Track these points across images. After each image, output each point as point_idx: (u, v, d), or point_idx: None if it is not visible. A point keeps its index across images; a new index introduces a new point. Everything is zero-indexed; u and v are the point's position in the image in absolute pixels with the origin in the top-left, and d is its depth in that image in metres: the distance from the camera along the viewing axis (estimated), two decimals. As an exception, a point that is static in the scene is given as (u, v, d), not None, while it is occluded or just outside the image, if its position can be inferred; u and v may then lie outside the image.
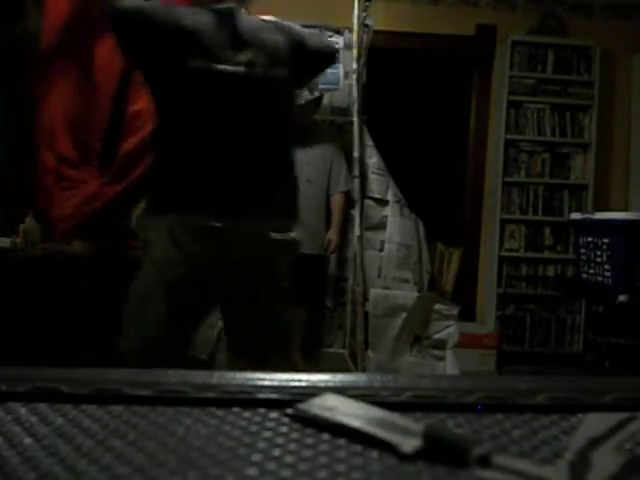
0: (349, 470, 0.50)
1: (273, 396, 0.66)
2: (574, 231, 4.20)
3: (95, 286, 2.47)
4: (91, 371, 0.71)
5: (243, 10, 1.92)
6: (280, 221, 1.90)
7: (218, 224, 1.73)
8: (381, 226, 3.45)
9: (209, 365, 2.86)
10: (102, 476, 0.49)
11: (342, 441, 0.56)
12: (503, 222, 4.28)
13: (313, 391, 0.66)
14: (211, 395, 0.66)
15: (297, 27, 2.00)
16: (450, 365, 3.27)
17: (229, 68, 1.77)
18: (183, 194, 1.77)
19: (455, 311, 3.39)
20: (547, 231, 4.35)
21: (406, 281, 3.05)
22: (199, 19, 1.79)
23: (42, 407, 0.64)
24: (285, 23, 1.98)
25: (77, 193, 2.44)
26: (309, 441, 0.56)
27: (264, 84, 1.82)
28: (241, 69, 1.79)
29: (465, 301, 4.23)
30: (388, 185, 3.50)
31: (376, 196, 3.45)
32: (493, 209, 4.33)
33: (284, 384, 0.68)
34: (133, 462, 0.51)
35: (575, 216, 4.05)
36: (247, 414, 0.63)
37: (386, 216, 3.46)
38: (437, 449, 0.52)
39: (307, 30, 2.05)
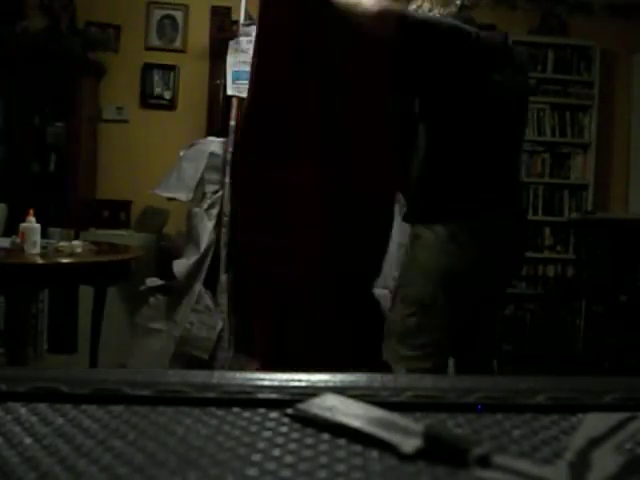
0: (349, 470, 0.50)
1: (273, 396, 0.65)
2: (574, 231, 4.20)
3: None
4: (91, 371, 0.71)
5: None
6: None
7: (503, 223, 1.85)
8: (381, 226, 3.44)
9: (209, 365, 2.86)
10: (102, 476, 0.49)
11: (342, 441, 0.56)
12: (503, 222, 4.27)
13: (313, 391, 0.66)
14: (211, 395, 0.66)
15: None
16: (450, 365, 3.26)
17: (509, 86, 1.90)
18: (474, 199, 1.84)
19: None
20: (547, 231, 4.35)
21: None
22: (487, 36, 1.88)
23: (42, 407, 0.64)
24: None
25: None
26: (309, 441, 0.56)
27: (525, 106, 2.06)
28: (517, 90, 1.95)
29: (465, 301, 4.23)
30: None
31: (376, 196, 3.44)
32: (493, 209, 4.33)
33: (284, 384, 0.68)
34: (133, 462, 0.51)
35: (575, 216, 4.06)
36: (247, 414, 0.63)
37: (386, 216, 3.45)
38: (437, 449, 0.52)
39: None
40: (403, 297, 1.91)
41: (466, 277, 1.83)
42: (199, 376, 0.70)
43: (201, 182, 3.14)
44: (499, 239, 1.84)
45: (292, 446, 0.55)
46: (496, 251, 1.85)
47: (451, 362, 2.13)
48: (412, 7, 1.96)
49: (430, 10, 1.93)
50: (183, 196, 3.15)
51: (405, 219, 2.00)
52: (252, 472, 0.49)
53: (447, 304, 1.83)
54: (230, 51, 3.15)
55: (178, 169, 3.17)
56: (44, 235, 2.62)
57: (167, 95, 4.21)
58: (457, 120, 1.85)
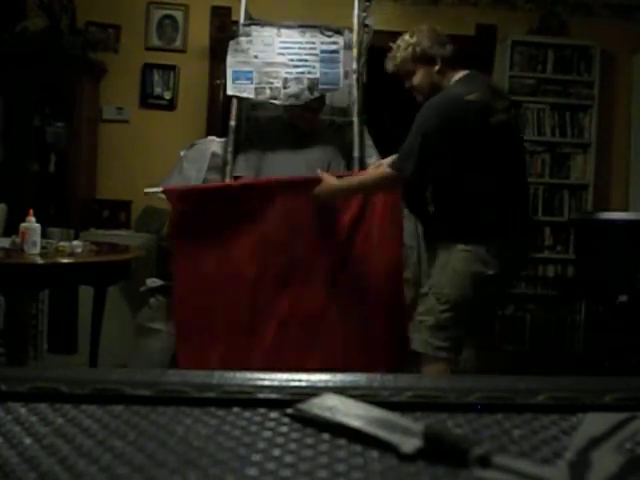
0: (349, 470, 0.50)
1: (273, 396, 0.65)
2: (574, 231, 4.19)
3: None
4: (91, 371, 0.71)
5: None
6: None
7: (516, 244, 2.30)
8: (381, 226, 3.44)
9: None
10: (102, 476, 0.49)
11: (342, 441, 0.56)
12: (503, 222, 4.27)
13: (313, 391, 0.66)
14: (211, 395, 0.66)
15: None
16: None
17: (502, 122, 2.22)
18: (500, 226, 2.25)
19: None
20: (547, 231, 4.34)
21: (406, 281, 3.04)
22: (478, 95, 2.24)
23: (42, 407, 0.64)
24: None
25: None
26: (309, 441, 0.56)
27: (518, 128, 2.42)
28: (509, 125, 2.27)
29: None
30: (388, 185, 3.49)
31: (376, 196, 3.43)
32: (493, 209, 4.33)
33: (284, 384, 0.68)
34: (133, 462, 0.51)
35: (575, 216, 4.05)
36: (247, 414, 0.63)
37: (386, 216, 3.45)
38: (437, 449, 0.52)
39: None
40: (438, 296, 2.26)
41: (490, 283, 2.24)
42: (199, 376, 0.70)
43: (202, 182, 3.13)
44: (513, 255, 2.29)
45: (292, 446, 0.55)
46: (511, 264, 2.30)
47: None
48: (411, 42, 2.35)
49: (430, 47, 2.33)
50: None
51: (443, 237, 2.36)
52: (252, 472, 0.49)
53: (477, 305, 2.27)
54: (230, 51, 3.15)
55: (179, 169, 3.16)
56: (44, 235, 2.61)
57: (167, 95, 4.20)
58: (475, 167, 2.23)
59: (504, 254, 2.24)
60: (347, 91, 3.30)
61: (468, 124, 2.19)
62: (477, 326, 2.43)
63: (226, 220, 2.65)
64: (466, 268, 2.23)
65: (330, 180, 2.50)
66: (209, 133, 3.82)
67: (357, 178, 2.62)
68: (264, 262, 2.66)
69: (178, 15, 4.18)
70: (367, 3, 3.23)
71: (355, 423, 0.57)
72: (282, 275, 2.67)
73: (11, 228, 2.77)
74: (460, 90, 2.25)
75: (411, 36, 2.38)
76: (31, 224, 2.45)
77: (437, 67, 2.33)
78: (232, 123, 3.15)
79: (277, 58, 3.16)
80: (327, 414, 0.60)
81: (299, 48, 3.19)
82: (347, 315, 2.69)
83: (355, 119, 3.17)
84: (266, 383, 0.68)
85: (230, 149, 3.12)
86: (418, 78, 2.37)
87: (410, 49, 2.36)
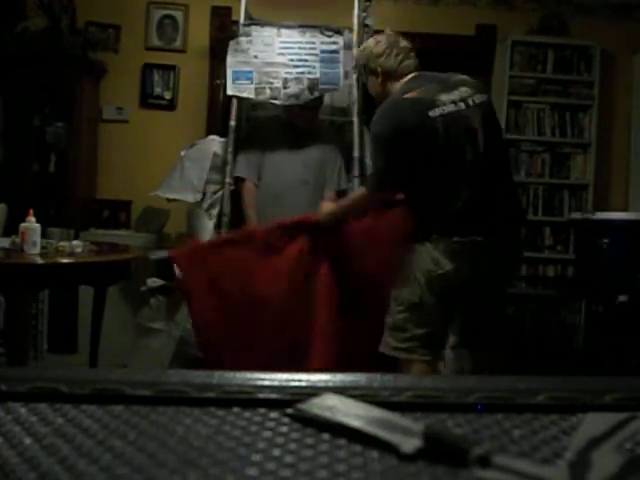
0: (349, 470, 0.50)
1: (273, 396, 0.66)
2: (574, 231, 4.19)
3: None
4: (91, 371, 0.71)
5: None
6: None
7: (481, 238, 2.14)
8: (381, 226, 3.44)
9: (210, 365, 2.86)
10: (102, 476, 0.49)
11: (342, 441, 0.56)
12: (503, 222, 4.26)
13: (313, 391, 0.66)
14: (211, 395, 0.66)
15: None
16: (449, 365, 3.26)
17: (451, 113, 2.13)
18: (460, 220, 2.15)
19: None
20: (547, 231, 4.34)
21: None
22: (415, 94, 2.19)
23: (42, 407, 0.64)
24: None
25: None
26: (309, 441, 0.56)
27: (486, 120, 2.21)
28: (461, 113, 2.15)
29: (465, 301, 4.22)
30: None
31: (376, 196, 3.43)
32: (493, 209, 4.32)
33: (284, 384, 0.68)
34: (133, 462, 0.51)
35: (575, 216, 4.05)
36: (247, 414, 0.63)
37: (386, 216, 3.44)
38: (437, 449, 0.52)
39: None
40: (395, 297, 2.25)
41: (446, 282, 2.15)
42: (199, 376, 0.70)
43: (204, 182, 3.13)
44: (477, 255, 2.14)
45: (292, 446, 0.55)
46: (476, 264, 2.15)
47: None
48: (368, 46, 2.38)
49: (375, 59, 2.31)
50: (190, 197, 3.12)
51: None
52: (252, 472, 0.49)
53: (436, 305, 2.17)
54: (230, 51, 3.15)
55: (180, 169, 3.16)
56: (44, 235, 2.61)
57: (167, 95, 4.20)
58: (416, 171, 2.19)
59: (459, 253, 2.12)
60: (347, 91, 3.30)
61: (408, 121, 2.15)
62: (463, 327, 2.42)
63: (235, 269, 2.60)
64: (418, 267, 2.18)
65: (327, 205, 2.60)
66: (209, 133, 3.82)
67: (347, 197, 2.81)
68: (278, 305, 2.56)
69: (178, 15, 4.18)
70: (367, 3, 3.24)
71: (355, 423, 0.57)
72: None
73: (11, 228, 2.77)
74: (400, 92, 2.24)
75: (373, 42, 2.39)
76: (31, 224, 2.45)
77: (380, 79, 2.33)
78: (232, 123, 3.15)
79: (277, 58, 3.16)
80: (327, 414, 0.60)
81: (299, 48, 3.19)
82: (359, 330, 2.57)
83: (355, 119, 3.17)
84: (266, 383, 0.68)
85: (230, 149, 3.12)
86: (368, 84, 2.44)
87: (364, 55, 2.39)
